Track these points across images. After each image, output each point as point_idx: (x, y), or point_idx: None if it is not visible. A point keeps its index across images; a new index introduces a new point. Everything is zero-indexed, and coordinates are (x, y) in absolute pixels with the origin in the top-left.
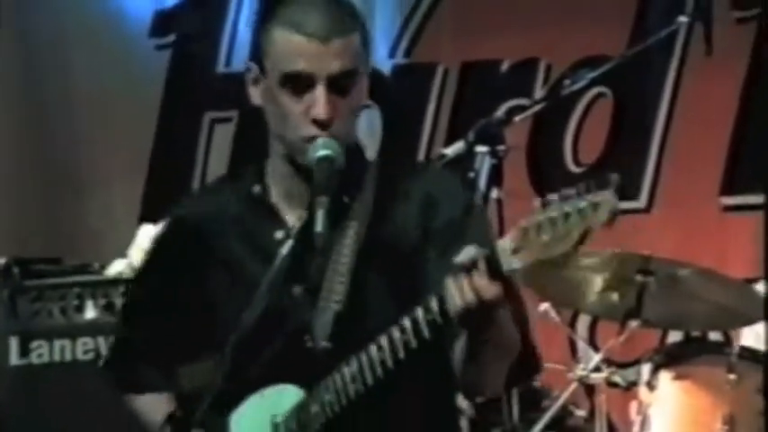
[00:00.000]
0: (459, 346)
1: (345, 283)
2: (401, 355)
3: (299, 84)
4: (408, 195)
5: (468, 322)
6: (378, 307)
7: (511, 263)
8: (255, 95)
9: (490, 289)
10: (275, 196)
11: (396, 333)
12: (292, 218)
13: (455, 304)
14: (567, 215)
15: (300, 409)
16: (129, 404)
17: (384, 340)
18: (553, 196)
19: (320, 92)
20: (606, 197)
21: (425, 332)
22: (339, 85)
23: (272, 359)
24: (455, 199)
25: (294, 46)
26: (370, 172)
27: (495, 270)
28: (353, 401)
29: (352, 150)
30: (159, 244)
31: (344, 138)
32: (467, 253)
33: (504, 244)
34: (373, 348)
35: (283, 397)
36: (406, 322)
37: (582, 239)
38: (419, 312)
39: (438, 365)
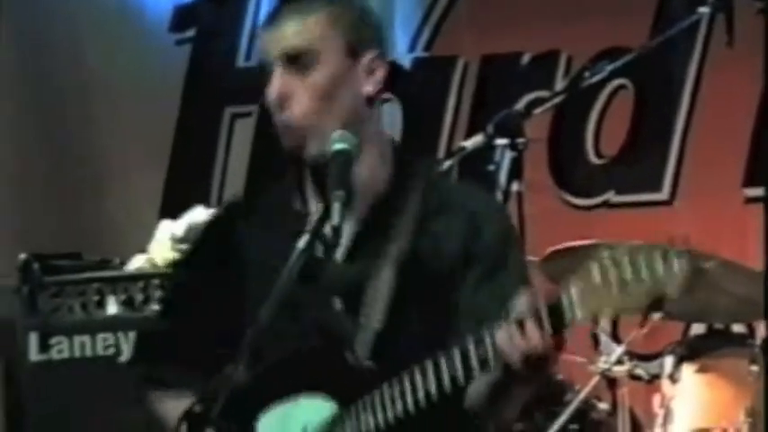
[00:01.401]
0: (479, 382)
1: (385, 301)
2: (446, 386)
3: (268, 76)
4: (451, 212)
5: (529, 366)
6: (414, 327)
7: (574, 314)
8: None
9: (540, 341)
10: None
11: (443, 363)
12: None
13: (505, 351)
14: (637, 275)
15: (334, 424)
16: (151, 404)
17: (430, 367)
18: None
19: (276, 72)
20: (683, 266)
21: (474, 366)
22: (294, 62)
23: (306, 369)
24: (496, 224)
25: (261, 39)
26: (416, 188)
27: (558, 322)
28: (389, 424)
29: (390, 157)
30: (205, 239)
31: (315, 124)
32: (523, 303)
33: (571, 296)
34: (417, 373)
35: (315, 408)
36: (456, 353)
37: (654, 303)
38: (470, 344)
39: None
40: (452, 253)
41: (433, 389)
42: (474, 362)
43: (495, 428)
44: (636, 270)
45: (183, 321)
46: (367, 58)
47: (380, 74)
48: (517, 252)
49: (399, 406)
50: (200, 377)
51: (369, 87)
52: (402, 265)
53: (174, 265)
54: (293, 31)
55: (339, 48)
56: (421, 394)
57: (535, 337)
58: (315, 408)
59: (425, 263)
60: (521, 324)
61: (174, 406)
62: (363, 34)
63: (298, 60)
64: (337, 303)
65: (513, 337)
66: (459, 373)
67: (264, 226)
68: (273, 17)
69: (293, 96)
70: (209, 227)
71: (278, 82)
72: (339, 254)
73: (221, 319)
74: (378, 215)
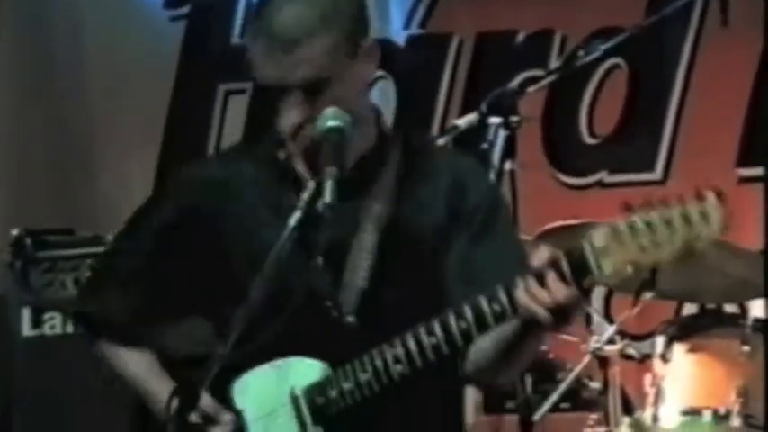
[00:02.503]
0: (485, 341)
1: (370, 259)
2: (459, 342)
3: (276, 91)
4: (433, 174)
5: (557, 316)
6: (399, 286)
7: (600, 265)
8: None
9: (566, 292)
10: (299, 164)
11: (452, 319)
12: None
13: (528, 306)
14: (668, 221)
15: (328, 384)
16: (112, 367)
17: (437, 324)
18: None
19: (291, 94)
20: (717, 207)
21: (491, 322)
22: (311, 90)
23: (290, 329)
24: (482, 185)
25: (263, 52)
26: (394, 145)
27: (581, 272)
28: (393, 384)
29: (374, 122)
30: (166, 197)
31: (346, 107)
32: (542, 253)
33: (593, 243)
34: (423, 331)
35: (304, 369)
36: (466, 309)
37: (685, 249)
38: (483, 302)
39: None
40: (437, 214)
41: (443, 344)
42: (489, 317)
43: (498, 385)
44: (666, 218)
45: (148, 268)
46: (364, 46)
47: (376, 57)
48: (504, 213)
49: (405, 362)
50: (157, 338)
51: (368, 73)
52: (385, 224)
53: (148, 202)
54: (308, 64)
55: (345, 58)
56: (430, 353)
57: (558, 289)
58: (301, 368)
59: (408, 223)
60: (540, 277)
61: (133, 360)
62: (359, 27)
63: (313, 86)
64: (318, 261)
65: (533, 292)
66: (473, 328)
67: (245, 180)
68: (279, 33)
69: (317, 112)
70: (168, 194)
71: (297, 113)
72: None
73: (188, 279)
74: (359, 174)
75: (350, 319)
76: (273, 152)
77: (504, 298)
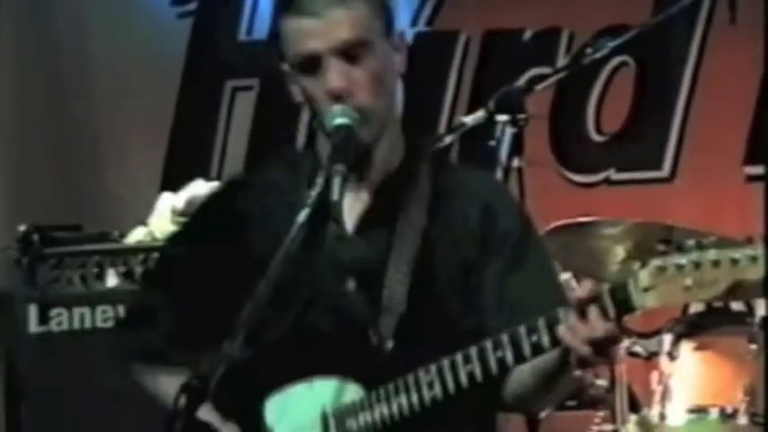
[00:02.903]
0: (523, 371)
1: (407, 284)
2: (493, 370)
3: (312, 64)
4: (463, 196)
5: (597, 352)
6: (439, 310)
7: (644, 301)
8: (295, 92)
9: (605, 327)
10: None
11: (489, 348)
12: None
13: (569, 341)
14: (715, 262)
15: (360, 407)
16: (137, 376)
17: (473, 352)
18: (690, 242)
19: (329, 64)
20: (763, 252)
21: (528, 353)
22: (349, 53)
23: (321, 351)
24: (512, 209)
25: (297, 28)
26: (425, 168)
27: (624, 307)
28: (424, 408)
29: (399, 133)
30: (199, 220)
31: (376, 109)
32: (585, 287)
33: (639, 281)
34: (459, 358)
35: (336, 391)
36: (504, 339)
37: (730, 291)
38: (521, 333)
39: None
40: (467, 238)
41: (478, 371)
42: (527, 349)
43: (535, 413)
44: (714, 260)
45: (180, 295)
46: (396, 37)
47: (405, 50)
48: (537, 239)
49: (438, 388)
50: (192, 353)
51: (400, 66)
52: (419, 246)
53: (173, 237)
54: (344, 24)
55: (381, 32)
56: (464, 378)
57: (599, 324)
58: (332, 390)
59: (441, 247)
60: (582, 312)
61: (167, 380)
62: (391, 15)
63: (351, 51)
64: (351, 283)
65: (574, 326)
66: (509, 357)
67: (277, 197)
68: (311, 5)
69: (353, 86)
70: (211, 201)
71: (338, 74)
72: (350, 227)
73: (223, 295)
74: (389, 191)
75: (390, 344)
76: (311, 173)
77: (543, 330)
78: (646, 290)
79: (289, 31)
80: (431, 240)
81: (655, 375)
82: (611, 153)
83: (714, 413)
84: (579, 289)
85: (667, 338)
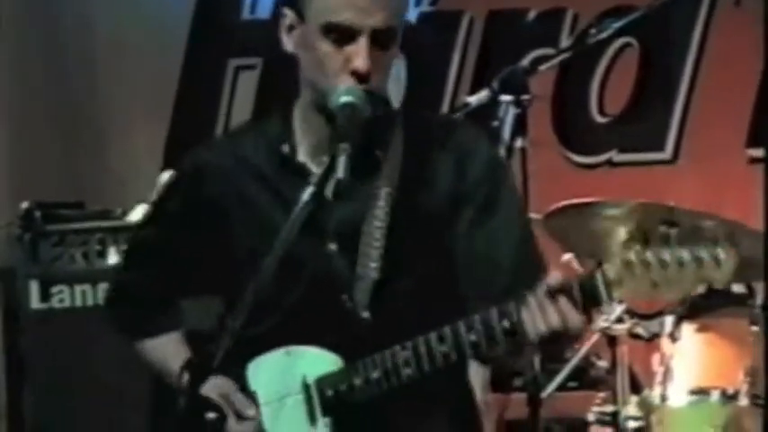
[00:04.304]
0: None
1: (380, 248)
2: (467, 352)
3: (342, 34)
4: (438, 152)
5: (547, 343)
6: (414, 272)
7: (611, 296)
8: (288, 42)
9: (577, 318)
10: (303, 154)
11: (462, 329)
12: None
13: (537, 327)
14: (680, 262)
15: (339, 378)
16: (140, 352)
17: (448, 333)
18: (662, 229)
19: (362, 44)
20: (731, 255)
21: (500, 339)
22: (381, 39)
23: (303, 316)
24: (484, 158)
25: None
26: (398, 125)
27: (591, 300)
28: (401, 385)
29: (380, 102)
30: (176, 186)
31: (383, 93)
32: (556, 277)
33: (606, 275)
34: (434, 338)
35: (317, 360)
36: (477, 323)
37: (695, 289)
38: (493, 314)
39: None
40: (441, 192)
41: (452, 353)
42: (499, 334)
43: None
44: (679, 258)
45: (156, 262)
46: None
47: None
48: (507, 186)
49: (414, 367)
50: (179, 317)
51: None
52: (393, 207)
53: (152, 215)
54: (386, 9)
55: (403, 21)
56: (439, 359)
57: (568, 312)
58: (313, 358)
59: (415, 204)
60: (552, 296)
61: (162, 348)
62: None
63: (383, 37)
64: (332, 246)
65: (541, 311)
66: (483, 341)
67: (249, 167)
68: None
69: (374, 70)
70: (178, 182)
71: (367, 56)
72: (329, 192)
73: (199, 261)
74: (364, 149)
75: (365, 314)
76: (277, 145)
77: (514, 315)
78: (613, 284)
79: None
80: (405, 200)
81: (656, 357)
82: (614, 134)
83: (715, 395)
84: (550, 277)
85: (669, 320)
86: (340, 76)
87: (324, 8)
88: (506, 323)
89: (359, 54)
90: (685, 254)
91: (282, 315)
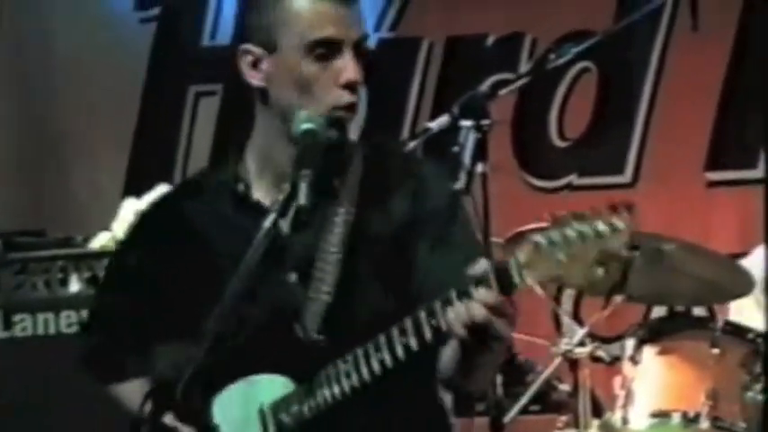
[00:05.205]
0: (449, 349)
1: (334, 273)
2: (400, 355)
3: (328, 49)
4: (395, 182)
5: (474, 335)
6: (367, 298)
7: (524, 278)
8: (255, 77)
9: (499, 304)
10: (258, 191)
11: (395, 333)
12: None
13: (461, 316)
14: (582, 235)
15: (291, 401)
16: (109, 392)
17: (382, 339)
18: (563, 213)
19: (349, 56)
20: (626, 222)
21: (428, 336)
22: (360, 50)
23: (261, 346)
24: (441, 189)
25: (322, 11)
26: (356, 152)
27: (506, 285)
28: (348, 398)
29: (343, 128)
30: (139, 233)
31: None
32: (479, 266)
33: (518, 258)
34: (371, 346)
35: (271, 386)
36: (408, 324)
37: (598, 262)
38: (422, 315)
39: (428, 363)
40: (399, 222)
41: (387, 358)
42: (427, 332)
43: (470, 392)
44: (580, 232)
45: (126, 308)
46: None
47: None
48: (463, 218)
49: (355, 378)
50: (150, 363)
51: None
52: (349, 233)
53: (116, 252)
54: (359, 16)
55: None
56: (376, 365)
57: (489, 298)
58: (270, 385)
59: (373, 233)
60: (477, 284)
61: (130, 389)
62: None
63: (362, 47)
64: (292, 277)
65: (456, 309)
66: (413, 341)
67: (210, 208)
68: None
69: (360, 81)
70: (145, 220)
71: (356, 66)
72: (286, 226)
73: (168, 307)
74: (321, 177)
75: (316, 336)
76: (232, 185)
77: (440, 313)
78: (525, 266)
79: (303, 12)
80: (361, 227)
81: (617, 380)
82: (574, 158)
83: (676, 417)
84: (471, 268)
85: (630, 343)
86: (331, 94)
87: (307, 27)
88: (434, 321)
89: (347, 66)
90: (586, 227)
91: (242, 346)
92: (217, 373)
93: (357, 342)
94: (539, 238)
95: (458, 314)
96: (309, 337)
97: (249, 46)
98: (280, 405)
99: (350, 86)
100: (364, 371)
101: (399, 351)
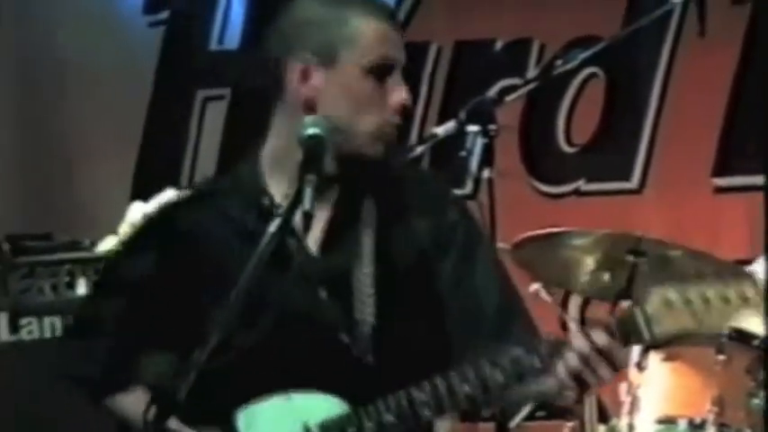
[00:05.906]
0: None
1: (373, 294)
2: (495, 393)
3: (384, 71)
4: (410, 198)
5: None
6: (405, 318)
7: (651, 331)
8: (304, 87)
9: (622, 355)
10: (279, 199)
11: (487, 369)
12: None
13: (576, 368)
14: (725, 298)
15: (346, 422)
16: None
17: (471, 373)
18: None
19: (399, 77)
20: (755, 290)
21: (529, 377)
22: (404, 72)
23: (298, 362)
24: (458, 210)
25: (383, 33)
26: (380, 170)
27: (628, 339)
28: (418, 427)
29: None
30: (145, 244)
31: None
32: (598, 322)
33: (647, 312)
34: (455, 378)
35: (318, 404)
36: (505, 361)
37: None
38: (521, 354)
39: None
40: (420, 243)
41: (479, 396)
42: (528, 371)
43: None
44: (723, 295)
45: (130, 308)
46: None
47: None
48: (480, 232)
49: (434, 409)
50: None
51: None
52: (378, 255)
53: (118, 253)
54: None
55: None
56: (462, 400)
57: (605, 343)
58: (316, 403)
59: (398, 253)
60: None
61: (128, 400)
62: None
63: (404, 69)
64: (323, 293)
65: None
66: (512, 380)
67: (222, 212)
68: (392, 17)
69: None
70: (156, 218)
71: (407, 89)
72: (313, 244)
73: (173, 308)
74: (348, 203)
75: (368, 358)
76: (255, 197)
77: (544, 351)
78: (652, 319)
79: (367, 31)
80: (388, 249)
81: (623, 386)
82: (581, 164)
83: (682, 424)
84: (596, 336)
85: (636, 349)
86: (383, 113)
87: (369, 46)
88: (534, 362)
89: (400, 87)
90: (731, 290)
91: (273, 362)
92: (240, 388)
93: (403, 365)
94: (670, 292)
95: (572, 360)
96: (365, 357)
97: (305, 56)
98: (331, 425)
99: (404, 108)
100: (447, 403)
101: (494, 391)
